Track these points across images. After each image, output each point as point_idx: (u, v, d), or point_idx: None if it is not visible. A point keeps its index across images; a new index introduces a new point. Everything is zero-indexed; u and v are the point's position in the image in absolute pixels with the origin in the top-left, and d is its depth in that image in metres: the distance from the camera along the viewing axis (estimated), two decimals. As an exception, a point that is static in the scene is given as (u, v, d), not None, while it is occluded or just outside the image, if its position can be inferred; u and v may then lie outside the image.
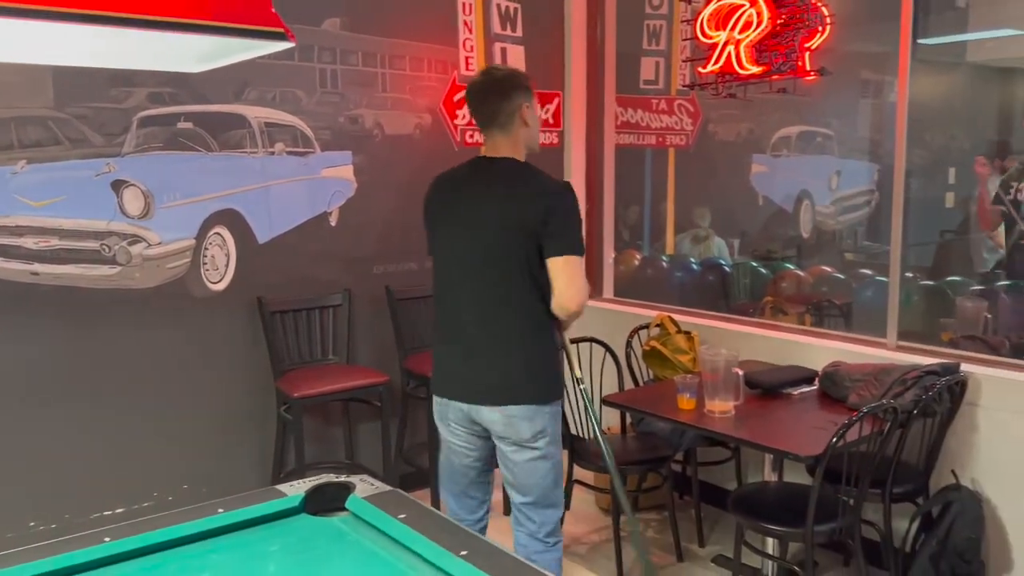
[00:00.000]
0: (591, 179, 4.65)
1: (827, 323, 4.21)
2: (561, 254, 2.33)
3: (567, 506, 3.40)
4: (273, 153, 3.68)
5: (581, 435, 3.55)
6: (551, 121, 4.53)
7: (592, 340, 3.71)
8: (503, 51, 4.32)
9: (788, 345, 3.62)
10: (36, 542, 1.66)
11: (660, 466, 3.40)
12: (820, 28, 3.51)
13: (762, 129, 5.13)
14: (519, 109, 2.42)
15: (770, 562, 3.09)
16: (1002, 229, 4.39)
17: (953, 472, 3.05)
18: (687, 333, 3.71)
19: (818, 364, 3.28)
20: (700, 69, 3.80)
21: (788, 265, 4.98)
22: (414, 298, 3.92)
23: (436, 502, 3.69)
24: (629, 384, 3.75)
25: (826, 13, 3.51)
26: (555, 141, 4.58)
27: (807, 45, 3.53)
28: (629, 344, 3.82)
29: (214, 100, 3.52)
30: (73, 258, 3.22)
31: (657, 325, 3.80)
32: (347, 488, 1.92)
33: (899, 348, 3.34)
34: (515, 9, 4.34)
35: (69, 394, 3.28)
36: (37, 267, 3.16)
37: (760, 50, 3.59)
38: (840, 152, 5.32)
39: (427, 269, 2.53)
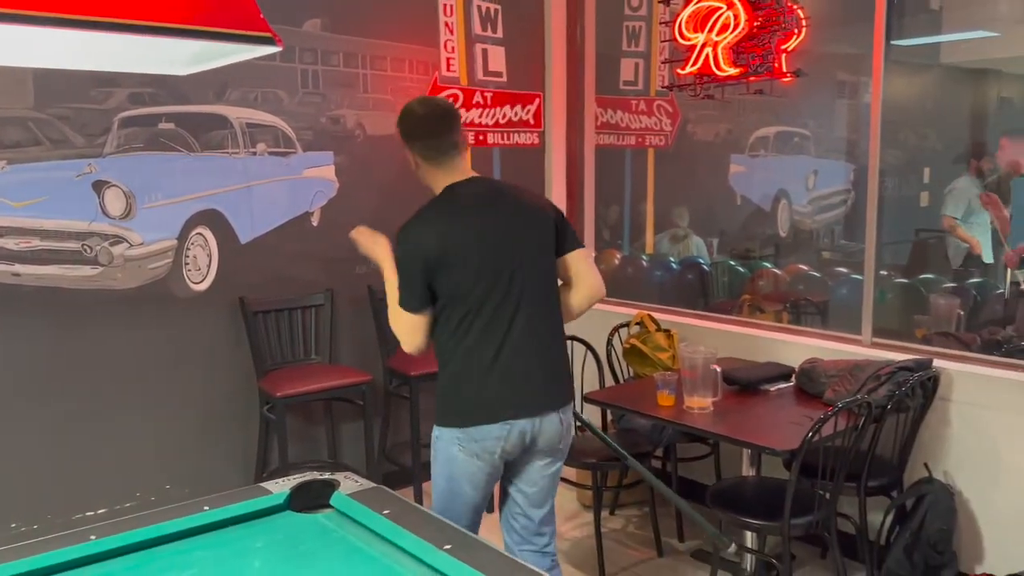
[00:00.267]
0: (571, 179, 4.69)
1: (804, 321, 4.27)
2: (578, 246, 2.46)
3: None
4: (255, 153, 3.69)
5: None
6: (532, 122, 4.57)
7: (573, 338, 3.74)
8: (484, 52, 4.35)
9: (766, 342, 3.68)
10: (18, 543, 1.67)
11: (640, 462, 3.43)
12: (796, 30, 3.57)
13: (740, 130, 5.17)
14: (465, 134, 2.47)
15: (749, 555, 3.15)
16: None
17: (926, 465, 3.11)
18: (667, 331, 3.76)
19: (795, 361, 3.34)
20: (679, 70, 3.85)
21: (766, 264, 5.04)
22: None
23: (419, 500, 3.72)
24: (610, 381, 3.80)
25: (802, 16, 3.57)
26: (536, 142, 4.62)
27: (783, 47, 3.59)
28: (610, 342, 3.87)
29: (195, 101, 3.52)
30: (55, 259, 3.21)
31: (637, 323, 3.85)
32: (332, 485, 1.94)
33: (874, 345, 3.41)
34: (495, 10, 4.37)
35: (51, 394, 3.27)
36: (18, 268, 3.15)
37: (737, 52, 3.64)
38: (817, 152, 5.38)
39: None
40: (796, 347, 3.51)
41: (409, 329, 2.32)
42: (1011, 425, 2.96)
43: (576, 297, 2.44)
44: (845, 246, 5.16)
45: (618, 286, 4.85)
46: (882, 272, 3.81)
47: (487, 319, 2.28)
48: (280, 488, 1.94)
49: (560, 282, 2.44)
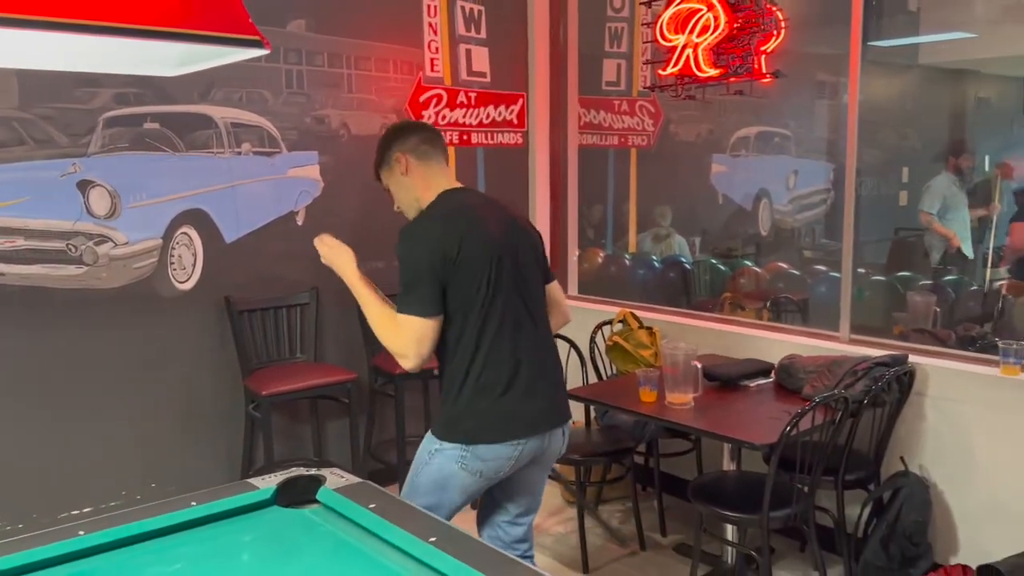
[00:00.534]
0: (555, 179, 4.73)
1: (785, 318, 4.33)
2: (553, 276, 2.51)
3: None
4: (240, 153, 3.70)
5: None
6: (515, 122, 4.61)
7: (557, 335, 3.78)
8: (467, 52, 4.38)
9: (746, 339, 3.73)
10: (4, 540, 1.68)
11: (623, 457, 3.49)
12: (775, 32, 3.62)
13: (722, 130, 5.24)
14: None
15: (729, 548, 3.20)
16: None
17: (902, 459, 3.17)
18: (649, 328, 3.81)
19: (774, 357, 3.39)
20: (660, 71, 3.90)
21: (746, 262, 5.11)
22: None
23: (404, 497, 3.74)
24: (593, 378, 3.84)
25: (781, 17, 3.62)
26: (519, 141, 4.65)
27: (763, 48, 3.64)
28: (593, 340, 3.91)
29: (180, 101, 3.53)
30: (39, 258, 3.22)
31: (620, 321, 3.90)
32: (318, 481, 1.96)
33: (852, 341, 3.47)
34: (479, 11, 4.40)
35: (36, 394, 3.27)
36: (3, 267, 3.15)
37: (718, 53, 3.69)
38: (797, 152, 5.45)
39: (393, 267, 2.22)
40: (776, 344, 3.56)
41: (416, 338, 2.13)
42: (984, 419, 3.03)
43: (553, 323, 2.44)
44: (826, 245, 5.23)
45: (601, 284, 4.91)
46: (860, 270, 3.87)
47: (502, 331, 2.18)
48: (267, 484, 1.96)
49: None
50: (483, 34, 4.43)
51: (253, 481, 1.99)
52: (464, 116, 4.36)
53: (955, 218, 4.94)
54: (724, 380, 3.27)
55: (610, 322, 3.94)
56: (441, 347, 2.21)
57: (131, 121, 3.41)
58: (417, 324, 2.13)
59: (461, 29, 4.35)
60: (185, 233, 3.58)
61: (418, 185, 2.29)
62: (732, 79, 3.71)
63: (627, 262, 5.34)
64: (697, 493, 2.96)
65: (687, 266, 5.08)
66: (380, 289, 2.28)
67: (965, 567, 2.86)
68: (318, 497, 1.92)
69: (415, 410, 4.08)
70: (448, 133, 4.29)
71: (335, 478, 1.98)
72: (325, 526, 1.82)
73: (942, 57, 5.89)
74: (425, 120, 4.20)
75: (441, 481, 2.21)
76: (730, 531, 3.14)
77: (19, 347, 3.23)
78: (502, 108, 4.53)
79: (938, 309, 4.04)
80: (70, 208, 3.27)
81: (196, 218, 3.60)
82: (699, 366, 3.09)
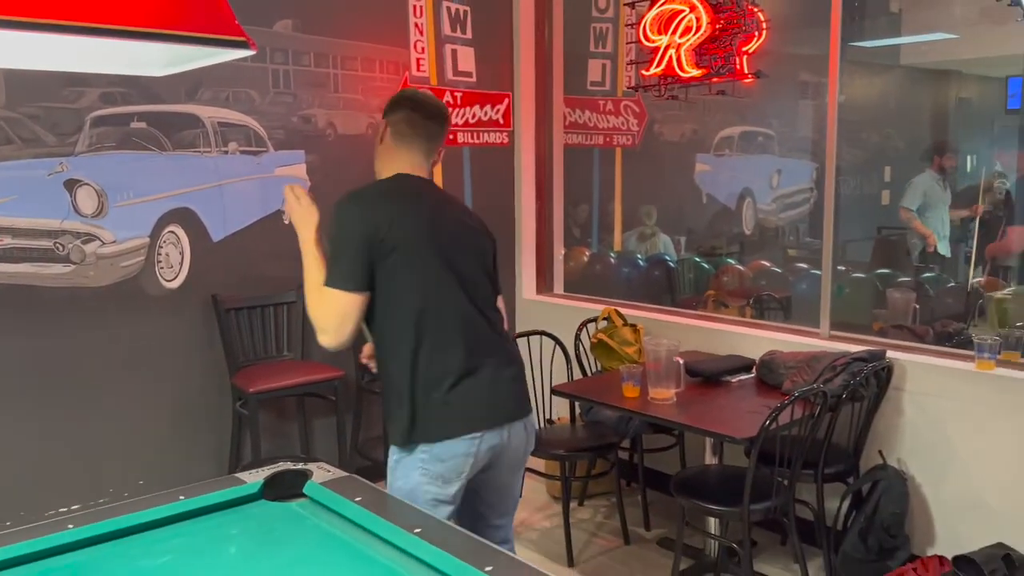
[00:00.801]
0: (541, 178, 4.77)
1: (768, 315, 4.39)
2: (500, 291, 2.33)
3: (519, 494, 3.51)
4: (227, 152, 3.72)
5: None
6: (501, 121, 4.64)
7: (543, 333, 3.84)
8: (453, 52, 4.42)
9: (728, 336, 3.78)
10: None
11: (608, 453, 3.53)
12: (757, 33, 3.67)
13: (706, 129, 5.29)
14: (441, 150, 2.29)
15: (712, 541, 3.25)
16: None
17: (880, 452, 3.23)
18: (633, 326, 3.85)
19: (756, 353, 3.44)
20: (644, 72, 3.94)
21: (729, 260, 5.17)
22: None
23: (391, 493, 3.77)
24: (578, 375, 3.88)
25: (762, 18, 3.67)
26: (505, 141, 4.69)
27: (744, 49, 3.69)
28: (578, 337, 3.95)
29: (167, 100, 3.55)
30: (26, 257, 3.23)
31: (605, 318, 3.94)
32: (304, 475, 1.99)
33: (832, 337, 3.52)
34: (464, 12, 4.43)
35: (23, 392, 3.28)
36: (-10, 266, 3.17)
37: (700, 54, 3.74)
38: (780, 151, 5.51)
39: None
40: (758, 340, 3.62)
41: (338, 313, 2.03)
42: (960, 413, 3.09)
43: None
44: (810, 243, 5.29)
45: (586, 283, 4.95)
46: (840, 267, 3.93)
47: (445, 321, 2.08)
48: (254, 478, 1.99)
49: None
50: (469, 34, 4.46)
51: (241, 476, 2.02)
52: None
53: (934, 216, 5.02)
54: (706, 376, 3.31)
55: (595, 319, 3.98)
56: (380, 344, 2.14)
57: (118, 120, 3.42)
58: (341, 299, 2.03)
59: (447, 29, 4.38)
60: (172, 232, 3.59)
61: (383, 159, 2.21)
62: (714, 79, 3.76)
63: (612, 261, 5.39)
64: (680, 487, 3.01)
65: (671, 264, 5.14)
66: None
67: (941, 558, 2.92)
68: (305, 491, 1.95)
69: (402, 407, 4.09)
70: (434, 132, 4.31)
71: (321, 472, 2.01)
72: (312, 519, 1.85)
73: (923, 58, 5.97)
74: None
75: (409, 496, 2.07)
76: (713, 524, 3.19)
77: (5, 345, 3.24)
78: (488, 108, 4.56)
79: (917, 306, 4.11)
80: (57, 207, 3.28)
81: (183, 217, 3.61)
82: (681, 362, 3.14)
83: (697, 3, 3.65)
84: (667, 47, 3.77)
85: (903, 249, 5.26)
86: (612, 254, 5.42)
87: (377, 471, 3.96)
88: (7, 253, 3.19)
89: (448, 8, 4.37)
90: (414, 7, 4.24)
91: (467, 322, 2.12)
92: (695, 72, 3.73)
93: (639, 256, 5.30)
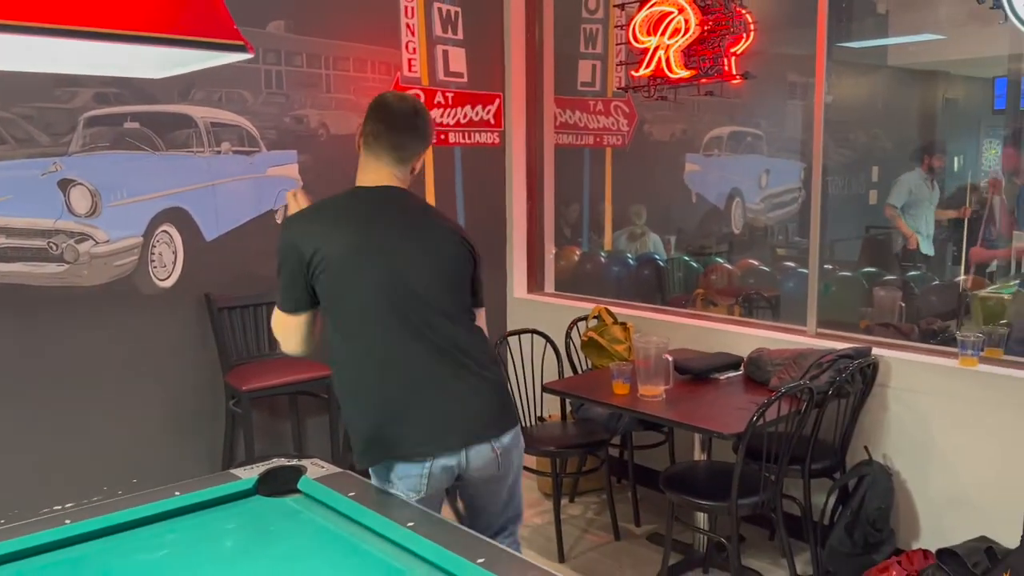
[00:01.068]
0: (532, 178, 4.80)
1: (756, 314, 4.43)
2: (482, 304, 2.25)
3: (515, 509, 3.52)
4: (219, 152, 3.74)
5: (522, 422, 3.70)
6: (492, 122, 4.67)
7: (534, 331, 3.87)
8: (444, 53, 4.45)
9: (717, 334, 3.83)
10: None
11: (598, 449, 3.57)
12: (744, 34, 3.72)
13: (695, 130, 5.33)
14: (421, 155, 2.19)
15: (701, 536, 3.29)
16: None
17: (866, 448, 3.28)
18: (623, 324, 3.89)
19: (744, 351, 3.48)
20: (633, 72, 3.98)
21: (718, 259, 5.22)
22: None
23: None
24: (569, 372, 3.92)
25: (750, 20, 3.71)
26: (496, 141, 4.72)
27: (733, 50, 3.74)
28: (569, 335, 3.99)
29: (160, 100, 3.57)
30: (20, 256, 3.24)
31: (595, 317, 3.98)
32: (299, 471, 2.02)
33: (818, 335, 3.57)
34: (456, 12, 4.46)
35: (17, 391, 3.30)
36: (-16, 265, 3.18)
37: (689, 55, 3.78)
38: (769, 152, 5.56)
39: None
40: (746, 338, 3.66)
41: (283, 330, 2.12)
42: (944, 409, 3.14)
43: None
44: (799, 243, 5.34)
45: (577, 282, 4.99)
46: (827, 266, 3.98)
47: (385, 343, 2.04)
48: (249, 474, 2.01)
49: None
50: (460, 35, 4.49)
51: (236, 472, 2.04)
52: (441, 116, 4.42)
53: (918, 214, 5.07)
54: (695, 373, 3.35)
55: (585, 318, 4.02)
56: (331, 360, 2.15)
57: (111, 121, 3.44)
58: (284, 318, 2.11)
59: (438, 30, 4.41)
60: (165, 231, 3.61)
61: (359, 166, 2.17)
62: (703, 80, 3.80)
63: (603, 260, 5.43)
64: (669, 482, 3.05)
65: (661, 263, 5.18)
66: None
67: (925, 551, 2.97)
68: (299, 486, 1.98)
69: (394, 405, 4.12)
70: (426, 133, 4.34)
71: (315, 468, 2.04)
72: (306, 513, 1.88)
73: (910, 59, 6.03)
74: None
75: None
76: (701, 519, 3.23)
77: (0, 344, 3.25)
78: (479, 108, 4.59)
79: (903, 304, 4.16)
80: (51, 206, 3.30)
81: (176, 216, 3.63)
82: (670, 359, 3.18)
83: (686, 5, 3.69)
84: (656, 48, 3.80)
85: (890, 248, 5.32)
86: (602, 253, 5.46)
87: (370, 469, 4.00)
88: (1, 252, 3.21)
89: (439, 9, 4.40)
90: (406, 8, 4.27)
91: (404, 345, 2.04)
92: (684, 73, 3.77)
93: (629, 255, 5.34)
